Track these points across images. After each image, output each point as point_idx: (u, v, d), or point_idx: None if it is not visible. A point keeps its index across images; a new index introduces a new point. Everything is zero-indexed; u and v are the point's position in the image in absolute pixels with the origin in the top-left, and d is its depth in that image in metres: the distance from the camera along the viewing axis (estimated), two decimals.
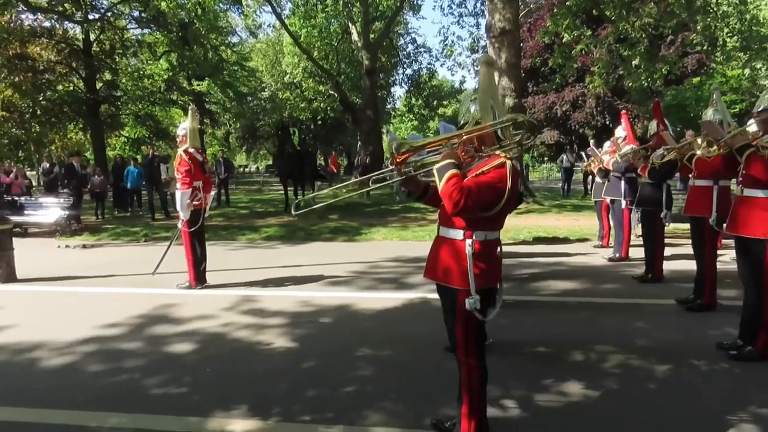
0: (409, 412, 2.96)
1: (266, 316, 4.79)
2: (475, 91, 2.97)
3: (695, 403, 2.99)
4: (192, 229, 5.80)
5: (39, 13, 21.68)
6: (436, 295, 2.81)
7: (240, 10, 24.89)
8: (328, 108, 31.72)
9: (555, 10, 16.45)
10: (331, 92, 27.56)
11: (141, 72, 26.65)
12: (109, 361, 3.82)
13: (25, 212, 11.05)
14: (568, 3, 15.12)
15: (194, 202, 5.79)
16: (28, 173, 16.01)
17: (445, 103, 37.34)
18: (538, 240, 8.65)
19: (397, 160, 2.56)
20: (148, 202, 13.17)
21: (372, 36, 23.58)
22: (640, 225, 7.18)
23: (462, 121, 2.82)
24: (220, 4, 24.75)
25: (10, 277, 6.45)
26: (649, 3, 16.00)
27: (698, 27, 14.99)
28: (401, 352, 3.87)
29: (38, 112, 23.15)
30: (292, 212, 4.05)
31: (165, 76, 27.24)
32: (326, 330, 4.43)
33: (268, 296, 5.48)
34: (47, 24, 22.75)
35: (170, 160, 13.19)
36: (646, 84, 17.73)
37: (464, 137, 2.60)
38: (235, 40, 32.94)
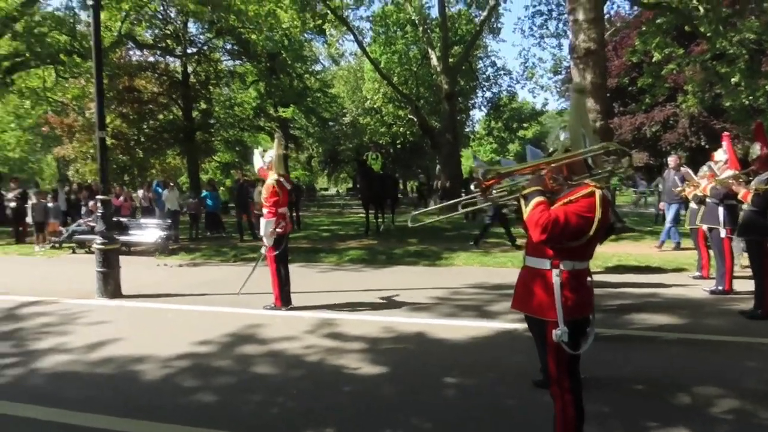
0: None
1: (348, 340, 4.84)
2: (564, 118, 2.95)
3: None
4: (276, 253, 6.01)
5: (145, 50, 23.86)
6: (522, 325, 2.74)
7: (323, 40, 26.00)
8: (408, 132, 32.07)
9: (643, 28, 15.79)
10: (410, 117, 27.86)
11: (232, 101, 28.37)
12: (202, 377, 4.01)
13: (129, 232, 11.94)
14: (658, 21, 14.47)
15: (278, 229, 5.99)
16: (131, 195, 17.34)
17: (525, 125, 36.66)
18: (628, 269, 8.20)
19: (484, 185, 2.56)
20: (237, 224, 13.82)
21: (451, 60, 23.70)
22: (744, 255, 6.66)
23: (551, 149, 2.77)
24: (305, 35, 25.94)
25: (116, 293, 6.97)
26: (750, 17, 14.97)
27: None
28: (489, 383, 3.77)
29: (142, 139, 25.15)
30: (409, 224, 4.04)
31: (253, 104, 28.84)
32: (409, 356, 4.41)
33: (350, 320, 5.54)
34: (151, 59, 24.96)
35: (258, 185, 13.83)
36: (747, 102, 16.52)
37: (552, 165, 2.55)
38: (318, 68, 34.29)
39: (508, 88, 31.40)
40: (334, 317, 5.65)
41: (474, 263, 9.12)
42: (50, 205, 13.23)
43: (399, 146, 37.31)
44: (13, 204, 13.79)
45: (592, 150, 2.54)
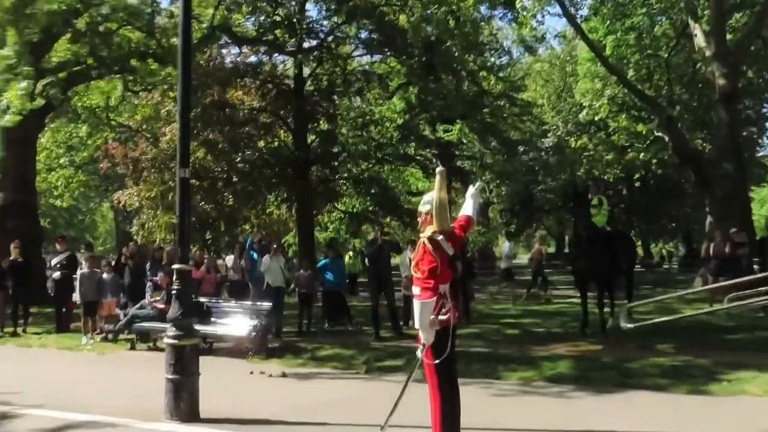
0: None
1: None
2: None
3: None
4: (439, 360, 5.98)
5: (245, 47, 26.25)
6: None
7: (512, 18, 26.43)
8: (653, 160, 31.05)
9: None
10: (657, 134, 27.04)
11: (367, 117, 29.75)
12: None
13: (213, 320, 12.82)
14: None
15: (440, 317, 5.97)
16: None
17: None
18: None
19: None
20: (372, 310, 14.17)
21: (730, 37, 22.79)
22: None
23: None
24: (482, 10, 26.55)
25: (193, 413, 7.44)
26: None
27: None
28: None
29: (234, 178, 27.16)
30: (622, 324, 3.92)
31: (399, 121, 29.94)
32: None
33: None
34: (252, 59, 27.35)
35: (406, 248, 14.16)
36: None
37: None
38: (503, 61, 34.88)
39: None
40: None
41: None
42: (105, 276, 14.75)
43: (638, 184, 36.18)
44: (56, 274, 15.62)
45: None
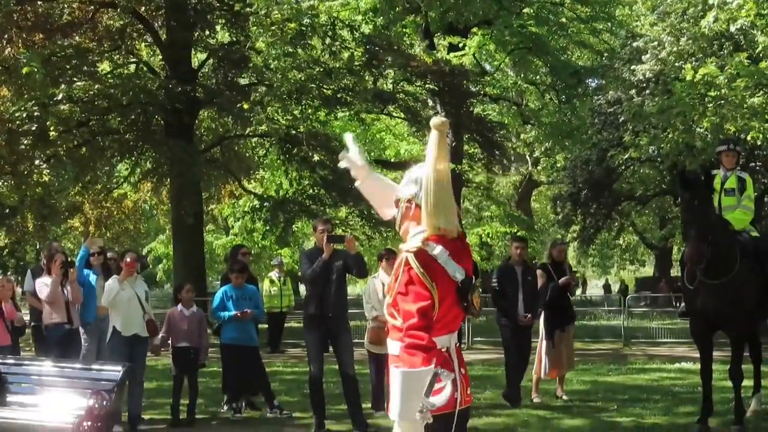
0: None
1: None
2: None
3: None
4: None
5: None
6: None
7: None
8: None
9: None
10: None
11: (306, 20, 29.42)
12: None
13: (8, 397, 12.73)
14: None
15: (433, 399, 5.76)
16: (17, 291, 18.36)
17: None
18: None
19: None
20: (311, 382, 14.14)
21: None
22: None
23: None
24: None
25: None
26: None
27: None
28: None
29: (50, 129, 26.73)
30: None
31: (366, 28, 29.97)
32: None
33: None
34: None
35: (378, 269, 14.17)
36: None
37: None
38: None
39: None
40: None
41: None
42: None
43: None
44: None
45: None
